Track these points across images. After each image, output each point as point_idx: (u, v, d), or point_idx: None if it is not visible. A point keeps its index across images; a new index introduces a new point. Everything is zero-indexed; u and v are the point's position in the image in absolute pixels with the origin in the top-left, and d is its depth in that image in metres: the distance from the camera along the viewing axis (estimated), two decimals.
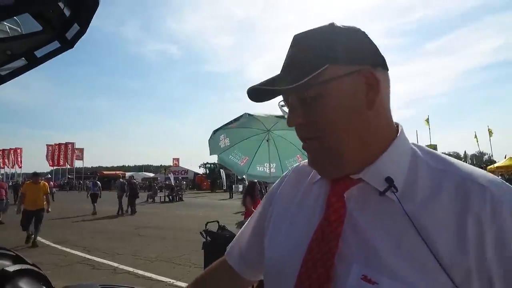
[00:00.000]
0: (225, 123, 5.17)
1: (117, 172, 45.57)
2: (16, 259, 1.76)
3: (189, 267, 5.43)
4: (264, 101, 0.58)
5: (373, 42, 0.57)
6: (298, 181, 0.69)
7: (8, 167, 43.55)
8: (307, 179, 0.67)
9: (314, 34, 0.55)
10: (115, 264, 5.65)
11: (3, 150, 44.17)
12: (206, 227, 4.08)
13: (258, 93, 0.57)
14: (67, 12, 1.22)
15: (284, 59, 0.58)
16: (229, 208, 15.03)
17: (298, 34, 0.57)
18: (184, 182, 31.73)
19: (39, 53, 1.37)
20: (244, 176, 6.24)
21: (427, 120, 24.55)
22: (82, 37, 1.37)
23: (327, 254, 0.51)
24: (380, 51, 0.57)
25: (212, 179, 34.36)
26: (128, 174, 33.02)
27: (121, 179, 15.67)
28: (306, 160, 0.64)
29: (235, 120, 4.96)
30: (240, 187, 25.35)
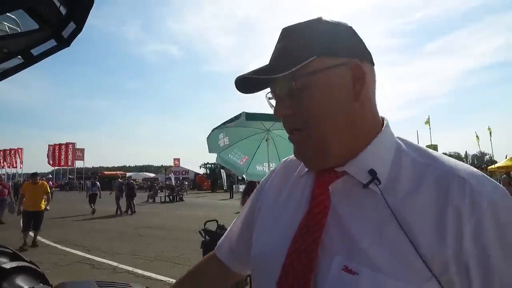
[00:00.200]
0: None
1: (118, 172, 45.61)
2: (14, 257, 1.77)
3: (188, 267, 5.39)
4: (252, 92, 0.59)
5: (360, 38, 0.58)
6: (285, 176, 0.69)
7: (12, 167, 43.57)
8: (294, 173, 0.67)
9: (303, 27, 0.56)
10: (115, 264, 5.66)
11: (4, 150, 44.23)
12: (205, 226, 4.10)
13: (246, 84, 0.58)
14: (63, 11, 1.23)
15: (272, 51, 0.58)
16: (230, 208, 15.04)
17: (286, 26, 0.58)
18: (186, 182, 31.78)
19: (35, 52, 1.38)
20: (244, 176, 6.23)
21: (428, 120, 24.47)
22: (78, 35, 1.38)
23: (312, 245, 0.52)
24: (368, 48, 0.58)
25: (212, 179, 34.34)
26: (128, 174, 33.01)
27: (119, 179, 15.66)
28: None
29: (233, 119, 4.95)
30: (241, 187, 25.31)
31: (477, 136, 23.73)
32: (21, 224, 7.24)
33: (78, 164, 44.81)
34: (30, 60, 1.40)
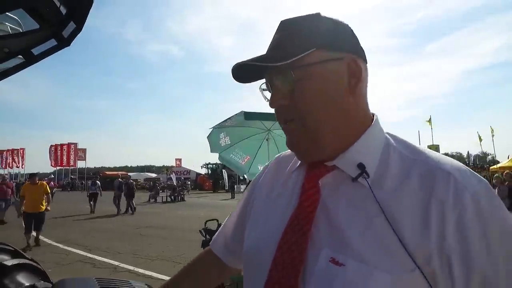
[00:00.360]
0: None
1: (119, 172, 45.68)
2: (15, 254, 1.79)
3: None
4: (248, 82, 0.60)
5: (356, 36, 0.59)
6: (278, 172, 0.71)
7: (16, 166, 43.74)
8: (287, 169, 0.68)
9: (301, 20, 0.58)
10: (116, 263, 5.69)
11: (7, 151, 44.40)
12: (205, 225, 4.12)
13: (243, 73, 0.59)
14: (63, 10, 1.25)
15: (270, 42, 0.59)
16: (231, 208, 14.73)
17: (285, 19, 0.59)
18: (188, 182, 31.78)
19: (36, 51, 1.40)
20: (245, 176, 6.23)
21: (430, 120, 24.34)
22: (78, 35, 1.40)
23: (302, 238, 0.53)
24: (363, 47, 0.60)
25: (214, 180, 34.35)
26: (130, 174, 33.07)
27: (119, 179, 15.70)
28: (289, 150, 0.66)
29: (231, 118, 4.94)
30: (242, 188, 25.32)
31: (479, 137, 23.62)
32: (23, 225, 7.28)
33: (80, 164, 44.98)
34: (30, 60, 1.41)
